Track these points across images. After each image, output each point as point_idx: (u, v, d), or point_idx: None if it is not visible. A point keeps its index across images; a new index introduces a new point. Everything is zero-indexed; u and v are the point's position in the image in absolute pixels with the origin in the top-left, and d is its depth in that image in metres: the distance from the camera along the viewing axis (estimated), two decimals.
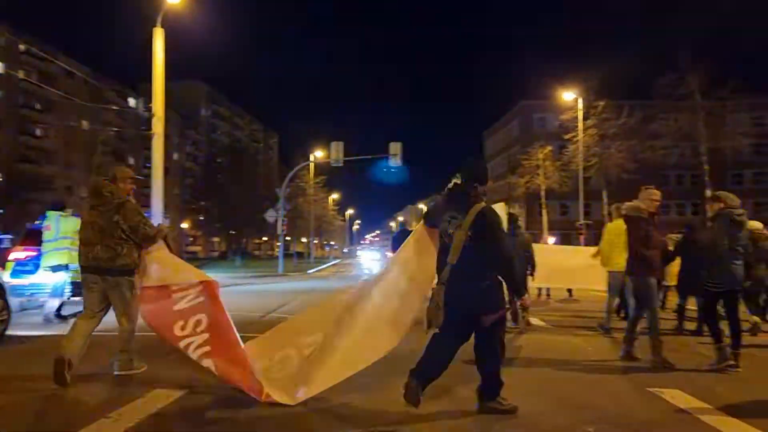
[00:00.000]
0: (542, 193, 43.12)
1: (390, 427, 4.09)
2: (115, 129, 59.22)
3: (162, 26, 17.95)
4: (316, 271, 38.83)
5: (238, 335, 4.99)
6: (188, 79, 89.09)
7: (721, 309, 6.59)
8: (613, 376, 5.93)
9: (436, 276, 4.31)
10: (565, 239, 39.60)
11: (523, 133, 59.45)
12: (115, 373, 5.40)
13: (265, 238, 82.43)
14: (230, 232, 65.10)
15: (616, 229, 8.37)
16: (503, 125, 69.44)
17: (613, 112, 35.23)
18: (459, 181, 4.39)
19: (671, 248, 8.14)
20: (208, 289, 5.19)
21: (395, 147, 30.03)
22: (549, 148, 43.40)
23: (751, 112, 41.14)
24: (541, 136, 47.06)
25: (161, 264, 5.38)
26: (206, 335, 4.94)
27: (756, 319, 8.86)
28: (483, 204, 4.19)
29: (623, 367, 6.36)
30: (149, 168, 19.11)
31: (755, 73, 72.09)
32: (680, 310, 9.40)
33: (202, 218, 67.18)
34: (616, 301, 9.61)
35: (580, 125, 34.66)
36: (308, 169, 57.48)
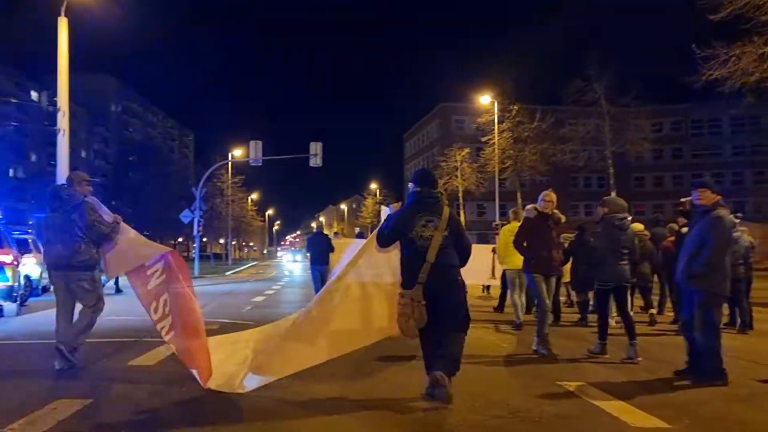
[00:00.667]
0: (460, 194, 44.11)
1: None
2: (15, 124, 55.42)
3: (66, 16, 17.00)
4: (234, 272, 37.98)
5: (200, 311, 5.31)
6: (97, 72, 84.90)
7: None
8: (525, 371, 6.14)
9: (399, 280, 4.64)
10: (482, 239, 40.71)
11: (442, 135, 60.59)
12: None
13: (180, 239, 79.79)
14: (144, 233, 62.54)
15: (511, 230, 8.90)
16: (423, 127, 70.54)
17: (527, 116, 36.58)
18: (420, 185, 4.75)
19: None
20: (169, 260, 5.45)
21: (315, 147, 29.85)
22: (467, 150, 44.47)
23: (651, 119, 43.82)
24: (460, 139, 48.15)
25: (136, 243, 5.93)
26: (170, 318, 5.28)
27: (653, 310, 9.92)
28: (448, 206, 4.76)
29: (535, 362, 6.61)
30: (54, 166, 18.05)
31: (654, 83, 76.81)
32: (584, 305, 10.15)
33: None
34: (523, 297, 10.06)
35: (496, 128, 35.74)
36: (226, 169, 56.14)
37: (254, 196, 75.97)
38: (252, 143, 30.31)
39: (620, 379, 5.71)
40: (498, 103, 35.67)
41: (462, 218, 44.57)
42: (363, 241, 5.57)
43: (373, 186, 73.48)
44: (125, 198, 59.30)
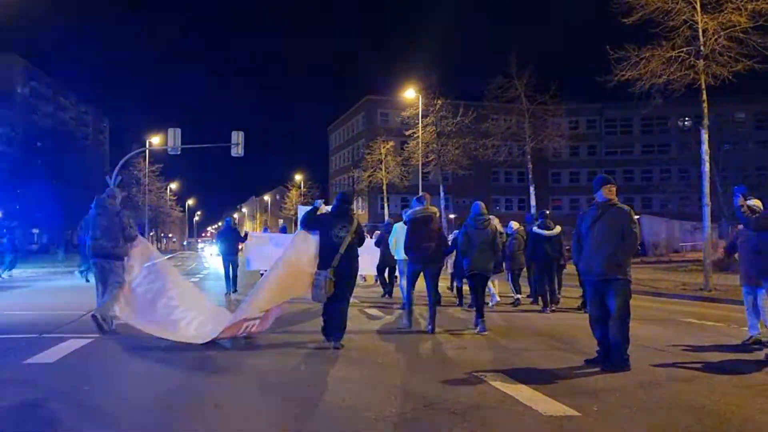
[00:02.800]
0: (384, 187, 44.32)
1: None
2: None
3: None
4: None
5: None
6: (1, 51, 79.35)
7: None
8: (440, 361, 6.18)
9: (317, 261, 6.89)
10: None
11: (367, 128, 60.61)
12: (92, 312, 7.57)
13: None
14: (55, 222, 58.92)
15: (402, 227, 10.07)
16: (348, 119, 70.32)
17: (450, 111, 37.09)
18: (340, 203, 7.15)
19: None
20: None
21: (237, 136, 29.10)
22: (391, 143, 44.69)
23: (568, 117, 45.56)
24: (384, 132, 48.29)
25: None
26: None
27: (518, 296, 11.89)
28: (357, 217, 7.24)
29: (450, 352, 6.68)
30: None
31: (572, 83, 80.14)
32: (458, 291, 11.92)
33: (18, 207, 60.11)
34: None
35: (420, 122, 36.07)
36: (143, 157, 53.94)
37: (174, 185, 73.44)
38: (170, 131, 29.17)
39: (533, 368, 5.85)
40: (422, 98, 35.96)
41: (386, 211, 44.92)
42: (283, 236, 8.15)
43: (298, 177, 72.68)
44: (33, 186, 55.66)
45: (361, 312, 10.50)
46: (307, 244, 7.08)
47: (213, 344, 6.74)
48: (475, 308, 8.42)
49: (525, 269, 12.41)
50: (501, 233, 10.29)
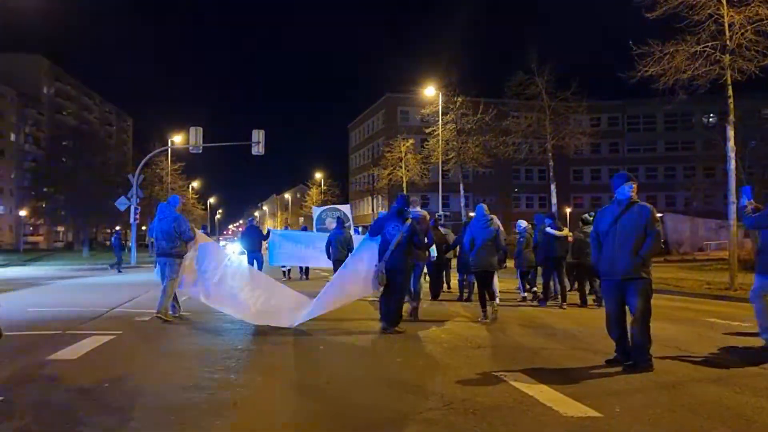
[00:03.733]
0: (404, 185, 44.26)
1: None
2: None
3: None
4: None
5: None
6: (28, 52, 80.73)
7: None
8: (459, 361, 6.13)
9: (378, 256, 8.00)
10: None
11: (387, 126, 60.64)
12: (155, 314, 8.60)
13: (118, 228, 77.13)
14: (79, 220, 59.93)
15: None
16: (368, 117, 70.36)
17: (471, 109, 36.91)
18: (397, 206, 8.12)
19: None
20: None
21: (258, 134, 29.30)
22: (411, 141, 44.65)
23: (590, 114, 45.05)
24: (404, 129, 48.29)
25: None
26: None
27: (524, 294, 12.43)
28: (409, 218, 8.12)
29: (469, 351, 6.62)
30: None
31: (593, 79, 79.33)
32: (460, 284, 12.58)
33: (44, 205, 61.14)
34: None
35: (440, 120, 35.95)
36: (166, 155, 54.52)
37: (195, 184, 74.15)
38: (192, 129, 29.49)
39: (553, 368, 5.77)
40: (442, 95, 35.84)
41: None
42: (304, 234, 9.37)
43: (318, 175, 72.92)
44: (58, 183, 56.59)
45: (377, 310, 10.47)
46: (369, 254, 8.30)
47: (236, 340, 6.76)
48: (480, 302, 9.14)
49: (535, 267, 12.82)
50: (501, 231, 10.66)
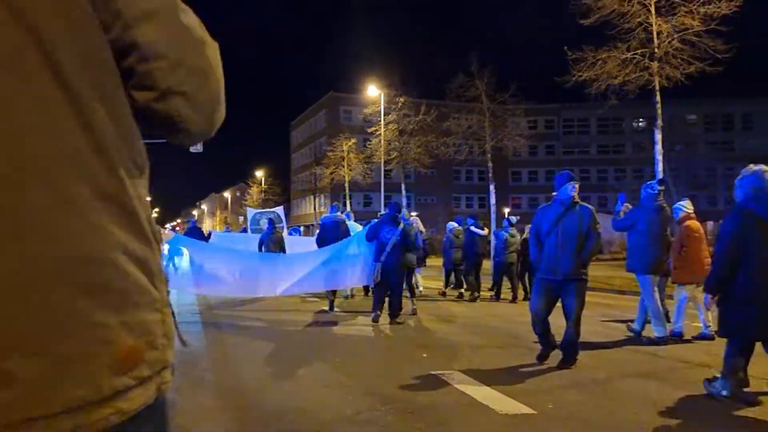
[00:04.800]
0: (346, 185, 44.18)
1: None
2: None
3: None
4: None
5: None
6: None
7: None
8: (399, 359, 6.15)
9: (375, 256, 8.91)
10: None
11: (329, 125, 60.31)
12: None
13: None
14: None
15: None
16: (310, 116, 69.82)
17: (412, 109, 37.21)
18: (390, 212, 9.16)
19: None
20: None
21: None
22: (354, 140, 44.58)
23: (527, 117, 46.16)
24: (347, 129, 48.15)
25: None
26: None
27: (445, 289, 13.16)
28: (401, 222, 9.05)
29: (410, 350, 6.66)
30: None
31: (530, 83, 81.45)
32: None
33: None
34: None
35: (383, 120, 36.08)
36: None
37: None
38: None
39: (490, 365, 5.87)
40: (385, 95, 36.00)
41: (348, 208, 44.88)
42: (244, 235, 11.12)
43: (259, 174, 71.85)
44: None
45: (322, 312, 10.41)
46: (366, 250, 9.32)
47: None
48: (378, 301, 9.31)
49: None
50: (422, 232, 11.57)
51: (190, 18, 0.94)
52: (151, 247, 0.90)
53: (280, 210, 21.27)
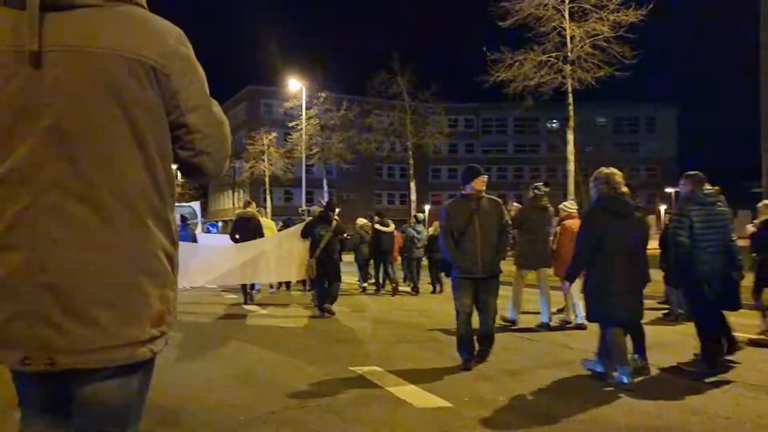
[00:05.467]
0: (266, 179, 43.43)
1: None
2: None
3: None
4: None
5: None
6: None
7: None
8: (320, 357, 6.06)
9: (309, 252, 9.29)
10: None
11: (249, 118, 59.12)
12: None
13: None
14: None
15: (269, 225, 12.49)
16: (229, 109, 68.13)
17: (334, 105, 37.06)
18: (324, 210, 9.60)
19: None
20: None
21: None
22: (274, 134, 43.84)
23: (448, 115, 47.06)
24: (268, 122, 47.35)
25: None
26: None
27: (365, 284, 13.76)
28: (335, 219, 9.45)
29: (331, 347, 6.58)
30: None
31: (451, 82, 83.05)
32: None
33: None
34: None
35: (304, 114, 35.71)
36: None
37: None
38: None
39: (406, 360, 5.89)
40: (306, 89, 35.65)
41: (268, 204, 44.12)
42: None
43: (174, 166, 69.22)
44: None
45: (239, 307, 10.16)
46: (297, 243, 9.74)
47: None
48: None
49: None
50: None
51: (216, 107, 1.55)
52: (175, 247, 1.49)
53: (195, 205, 20.67)
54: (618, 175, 5.17)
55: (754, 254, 7.13)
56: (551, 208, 8.38)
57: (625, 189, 5.21)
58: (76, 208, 1.32)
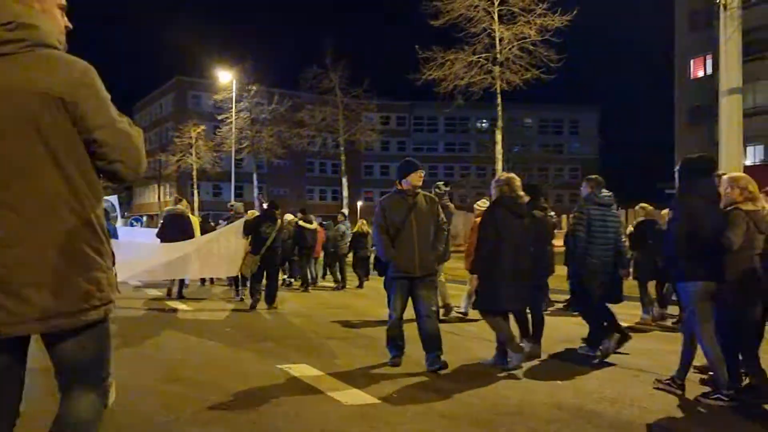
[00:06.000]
0: (194, 173, 42.26)
1: None
2: None
3: None
4: None
5: None
6: None
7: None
8: (248, 355, 5.95)
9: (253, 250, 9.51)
10: (215, 220, 39.62)
11: (176, 110, 57.37)
12: None
13: None
14: None
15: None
16: (156, 99, 65.88)
17: (265, 98, 36.45)
18: (267, 210, 9.82)
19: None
20: None
21: None
22: (202, 127, 42.71)
23: (380, 112, 47.24)
24: (196, 115, 46.09)
25: None
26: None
27: (291, 279, 13.96)
28: (279, 218, 9.93)
29: (260, 344, 6.47)
30: None
31: (384, 79, 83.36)
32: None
33: None
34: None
35: (234, 107, 34.96)
36: None
37: None
38: None
39: (337, 357, 5.87)
40: (236, 82, 34.91)
41: (195, 199, 42.96)
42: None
43: None
44: None
45: (162, 302, 9.84)
46: (237, 239, 9.87)
47: None
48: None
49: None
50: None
51: (122, 124, 1.89)
52: (101, 240, 1.87)
53: (113, 199, 19.89)
54: (516, 179, 5.55)
55: (632, 252, 8.02)
56: (452, 206, 8.93)
57: (521, 193, 5.53)
58: (4, 214, 1.75)
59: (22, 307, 1.74)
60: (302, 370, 5.19)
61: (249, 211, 11.15)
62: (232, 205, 12.57)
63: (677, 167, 4.79)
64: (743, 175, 4.78)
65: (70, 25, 2.00)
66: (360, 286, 13.47)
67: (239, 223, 10.07)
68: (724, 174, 4.95)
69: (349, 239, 13.77)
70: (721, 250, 4.32)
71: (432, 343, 5.30)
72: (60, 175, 1.78)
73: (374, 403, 4.25)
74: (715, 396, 4.34)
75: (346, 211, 14.48)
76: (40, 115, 1.75)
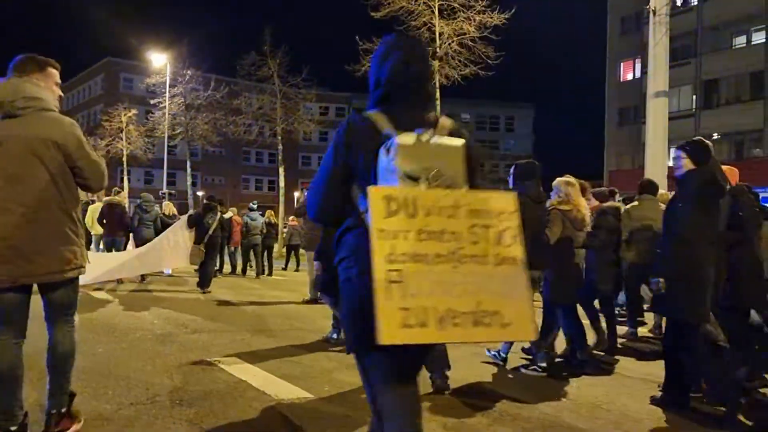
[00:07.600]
0: (124, 159, 40.64)
1: None
2: None
3: None
4: None
5: None
6: None
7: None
8: (176, 348, 5.76)
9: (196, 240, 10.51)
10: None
11: (106, 92, 55.14)
12: None
13: None
14: None
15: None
16: (84, 81, 62.98)
17: (201, 83, 35.38)
18: (209, 201, 11.30)
19: None
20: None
21: None
22: (134, 111, 41.03)
23: (319, 102, 46.79)
24: (127, 98, 44.32)
25: None
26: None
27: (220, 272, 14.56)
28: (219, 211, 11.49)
29: (187, 336, 6.28)
30: None
31: (324, 69, 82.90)
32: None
33: None
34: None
35: (167, 91, 33.81)
36: None
37: None
38: None
39: (270, 350, 5.78)
40: (171, 66, 33.74)
41: (125, 186, 41.37)
42: None
43: None
44: None
45: (86, 294, 9.42)
46: (183, 232, 10.55)
47: None
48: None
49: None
50: (175, 215, 12.96)
51: (94, 155, 3.24)
52: (77, 226, 3.19)
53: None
54: None
55: None
56: None
57: None
58: (18, 209, 2.94)
59: (31, 266, 2.97)
60: (233, 363, 5.09)
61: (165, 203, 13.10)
62: (163, 193, 12.91)
63: (511, 170, 5.56)
64: (563, 179, 5.52)
65: (62, 94, 3.38)
66: (269, 273, 14.99)
67: (184, 219, 11.07)
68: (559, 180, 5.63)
69: (257, 230, 14.50)
70: (544, 243, 5.06)
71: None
72: (53, 186, 3.03)
73: (306, 397, 4.20)
74: (532, 368, 5.19)
75: (255, 203, 15.58)
76: (43, 152, 2.99)
